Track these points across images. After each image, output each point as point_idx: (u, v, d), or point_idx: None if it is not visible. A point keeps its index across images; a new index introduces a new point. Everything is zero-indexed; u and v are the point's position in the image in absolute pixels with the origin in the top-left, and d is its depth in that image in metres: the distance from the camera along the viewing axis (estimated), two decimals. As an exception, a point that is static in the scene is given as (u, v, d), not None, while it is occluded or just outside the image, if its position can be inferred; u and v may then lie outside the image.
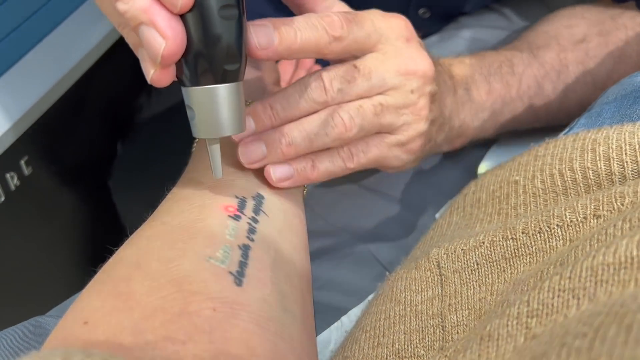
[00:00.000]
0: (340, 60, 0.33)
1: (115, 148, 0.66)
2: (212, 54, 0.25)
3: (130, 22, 0.23)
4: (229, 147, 0.32)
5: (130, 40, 0.26)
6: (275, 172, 0.32)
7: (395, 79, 0.32)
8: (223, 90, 0.26)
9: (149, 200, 0.32)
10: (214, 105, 0.26)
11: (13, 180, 0.51)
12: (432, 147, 0.39)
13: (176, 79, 0.26)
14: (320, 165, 0.33)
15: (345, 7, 0.34)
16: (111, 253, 0.28)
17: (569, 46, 0.44)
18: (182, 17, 0.24)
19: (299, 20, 0.29)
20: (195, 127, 0.27)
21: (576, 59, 0.44)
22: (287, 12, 0.35)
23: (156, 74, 0.24)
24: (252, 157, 0.31)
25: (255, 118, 0.31)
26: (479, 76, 0.42)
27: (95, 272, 0.27)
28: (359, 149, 0.34)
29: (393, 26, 0.33)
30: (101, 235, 0.65)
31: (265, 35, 0.28)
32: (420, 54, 0.33)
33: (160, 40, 0.23)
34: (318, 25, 0.30)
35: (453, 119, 0.40)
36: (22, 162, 0.51)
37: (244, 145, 0.31)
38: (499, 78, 0.42)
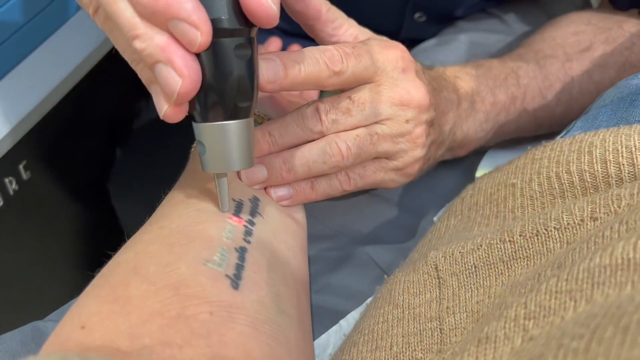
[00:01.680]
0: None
1: (114, 152, 0.66)
2: (225, 92, 0.25)
3: (146, 60, 0.24)
4: None
5: (144, 77, 0.26)
6: (276, 192, 0.33)
7: (389, 110, 0.33)
8: (234, 127, 0.26)
9: (148, 204, 0.32)
10: (225, 141, 0.26)
11: (12, 185, 0.51)
12: (431, 164, 0.40)
13: (187, 115, 0.26)
14: (318, 187, 0.34)
15: (354, 24, 0.35)
16: (109, 257, 0.28)
17: (574, 55, 0.45)
18: (198, 55, 0.24)
19: (303, 55, 0.31)
20: (206, 162, 0.27)
21: (581, 68, 0.44)
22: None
23: (169, 110, 0.25)
24: (253, 179, 0.32)
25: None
26: (484, 87, 0.42)
27: (93, 277, 0.27)
28: (356, 173, 0.35)
29: (390, 58, 0.34)
30: (100, 239, 0.65)
31: (273, 70, 0.29)
32: (415, 84, 0.34)
33: (177, 79, 0.23)
34: (320, 60, 0.31)
35: (455, 133, 0.41)
36: (21, 167, 0.51)
37: None
38: (504, 90, 0.43)
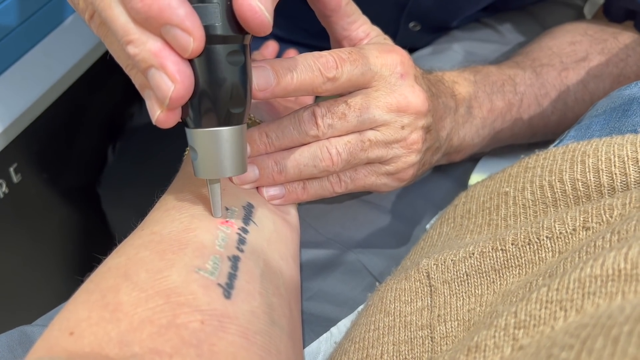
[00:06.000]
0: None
1: (106, 156, 0.66)
2: (218, 98, 0.25)
3: (140, 65, 0.24)
4: None
5: (137, 82, 0.26)
6: (268, 191, 0.34)
7: (386, 116, 0.33)
8: (227, 133, 0.26)
9: (139, 208, 0.32)
10: (218, 147, 0.26)
11: (1, 188, 0.50)
12: (426, 169, 0.40)
13: (180, 121, 0.26)
14: (310, 187, 0.35)
15: (367, 21, 0.36)
16: (99, 262, 0.27)
17: (571, 64, 0.45)
18: (191, 61, 0.24)
19: (295, 62, 0.31)
20: (198, 168, 0.27)
21: (577, 77, 0.45)
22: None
23: (162, 115, 0.25)
24: (244, 179, 0.33)
25: (251, 143, 0.33)
26: (482, 93, 0.43)
27: (82, 282, 0.26)
28: (348, 176, 0.35)
29: (388, 63, 0.33)
30: (90, 243, 0.65)
31: (264, 77, 0.29)
32: (414, 89, 0.34)
33: (169, 84, 0.23)
34: (313, 66, 0.31)
35: (452, 139, 0.41)
36: (11, 170, 0.51)
37: None
38: (501, 96, 0.43)
